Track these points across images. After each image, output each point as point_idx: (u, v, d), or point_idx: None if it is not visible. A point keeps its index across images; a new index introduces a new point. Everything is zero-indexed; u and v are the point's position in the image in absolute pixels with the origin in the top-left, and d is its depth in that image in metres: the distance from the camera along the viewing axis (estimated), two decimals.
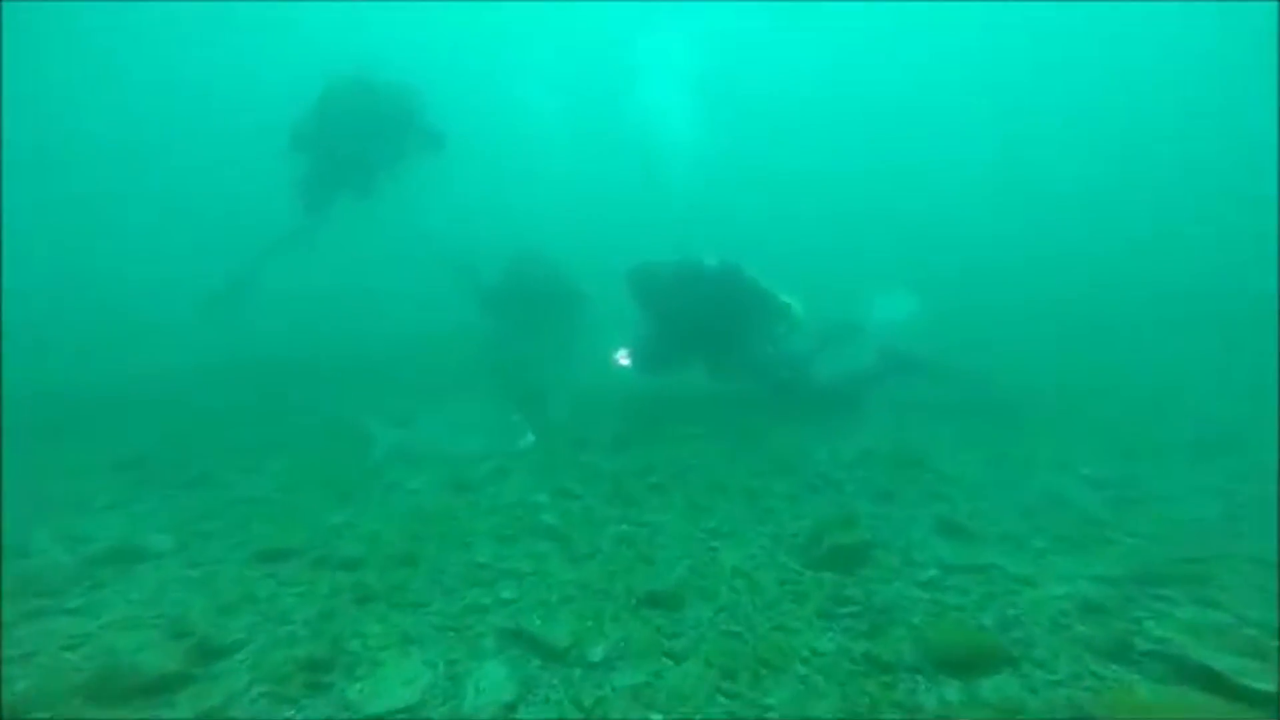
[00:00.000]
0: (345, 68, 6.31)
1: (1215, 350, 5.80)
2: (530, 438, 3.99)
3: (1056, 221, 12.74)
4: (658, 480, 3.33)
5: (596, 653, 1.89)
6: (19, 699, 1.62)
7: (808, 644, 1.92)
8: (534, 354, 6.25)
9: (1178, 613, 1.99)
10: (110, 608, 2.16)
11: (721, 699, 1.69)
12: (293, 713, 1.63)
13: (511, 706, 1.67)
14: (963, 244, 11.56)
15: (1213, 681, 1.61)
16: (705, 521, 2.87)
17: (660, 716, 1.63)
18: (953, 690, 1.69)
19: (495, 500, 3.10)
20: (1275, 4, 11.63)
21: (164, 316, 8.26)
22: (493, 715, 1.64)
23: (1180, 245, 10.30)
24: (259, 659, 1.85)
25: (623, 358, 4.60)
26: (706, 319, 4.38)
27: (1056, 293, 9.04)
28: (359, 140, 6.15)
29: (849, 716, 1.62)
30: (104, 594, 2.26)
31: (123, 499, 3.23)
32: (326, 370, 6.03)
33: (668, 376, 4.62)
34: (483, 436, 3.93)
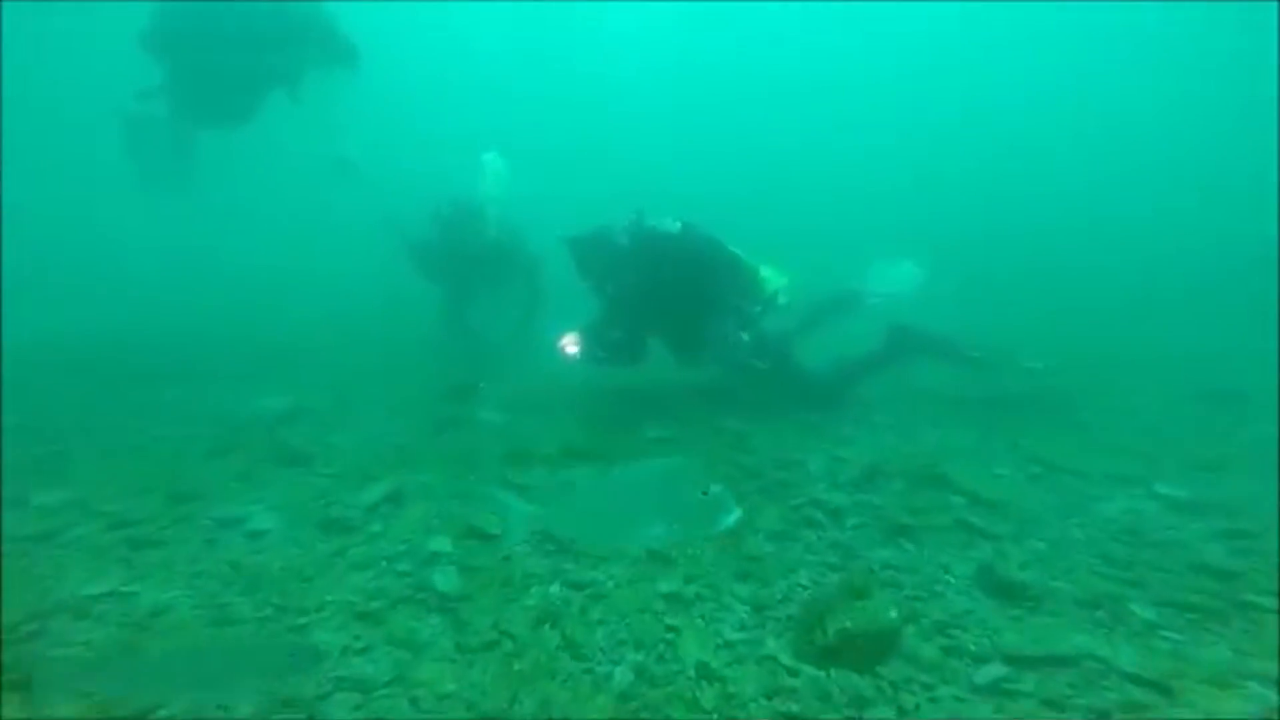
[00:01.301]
0: None
1: (1237, 319, 5.24)
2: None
3: (1058, 196, 12.23)
4: None
5: None
6: None
7: None
8: (474, 329, 5.35)
9: None
10: None
11: None
12: None
13: None
14: (962, 217, 10.92)
15: None
16: (664, 579, 2.11)
17: None
18: None
19: (373, 546, 2.28)
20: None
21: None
22: None
23: (1182, 220, 9.85)
24: None
25: (568, 344, 3.74)
26: (667, 296, 3.57)
27: (1063, 263, 8.47)
28: (232, 45, 4.85)
29: None
30: None
31: None
32: (203, 354, 5.03)
33: (624, 366, 3.78)
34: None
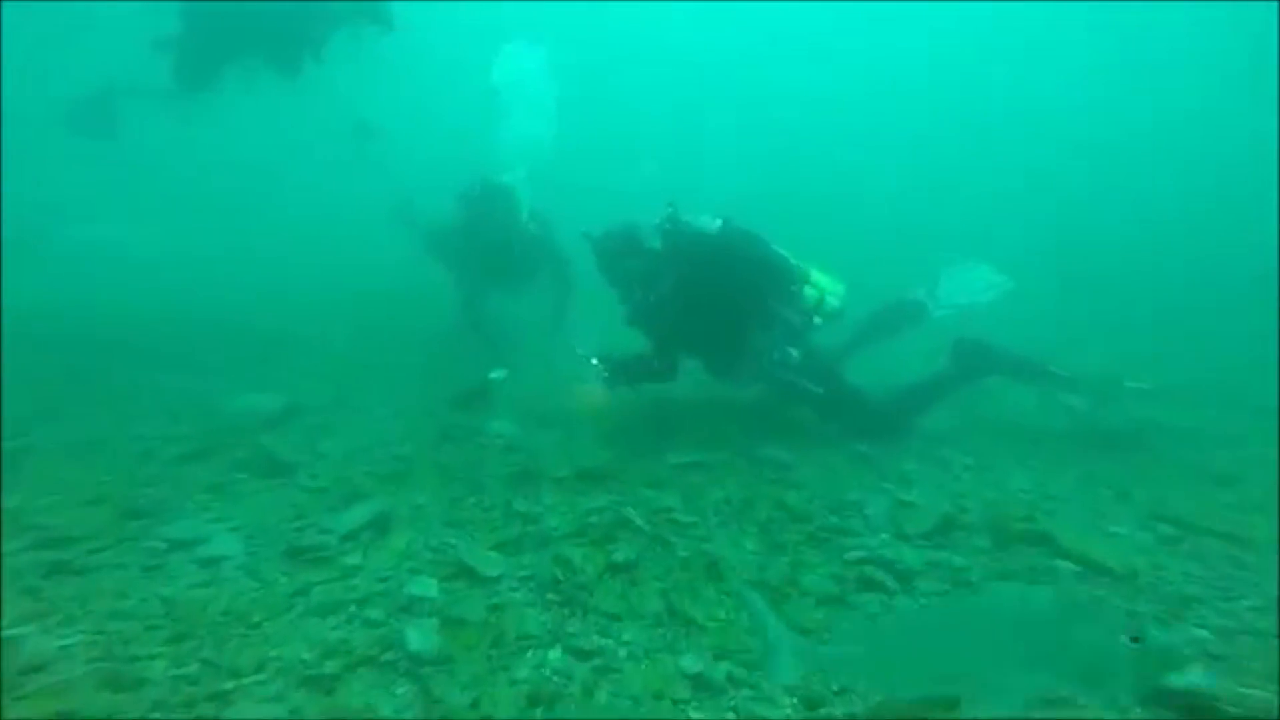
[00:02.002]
0: None
1: None
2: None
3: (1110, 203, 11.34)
4: (625, 555, 2.15)
5: None
6: None
7: None
8: (493, 321, 5.03)
9: None
10: None
11: None
12: None
13: None
14: (1013, 222, 10.16)
15: None
16: (690, 652, 1.70)
17: None
18: None
19: (344, 584, 1.94)
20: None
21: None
22: None
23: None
24: None
25: (594, 379, 3.39)
26: (704, 304, 3.16)
27: (1139, 272, 7.70)
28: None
29: None
30: None
31: None
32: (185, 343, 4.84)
33: (656, 385, 3.38)
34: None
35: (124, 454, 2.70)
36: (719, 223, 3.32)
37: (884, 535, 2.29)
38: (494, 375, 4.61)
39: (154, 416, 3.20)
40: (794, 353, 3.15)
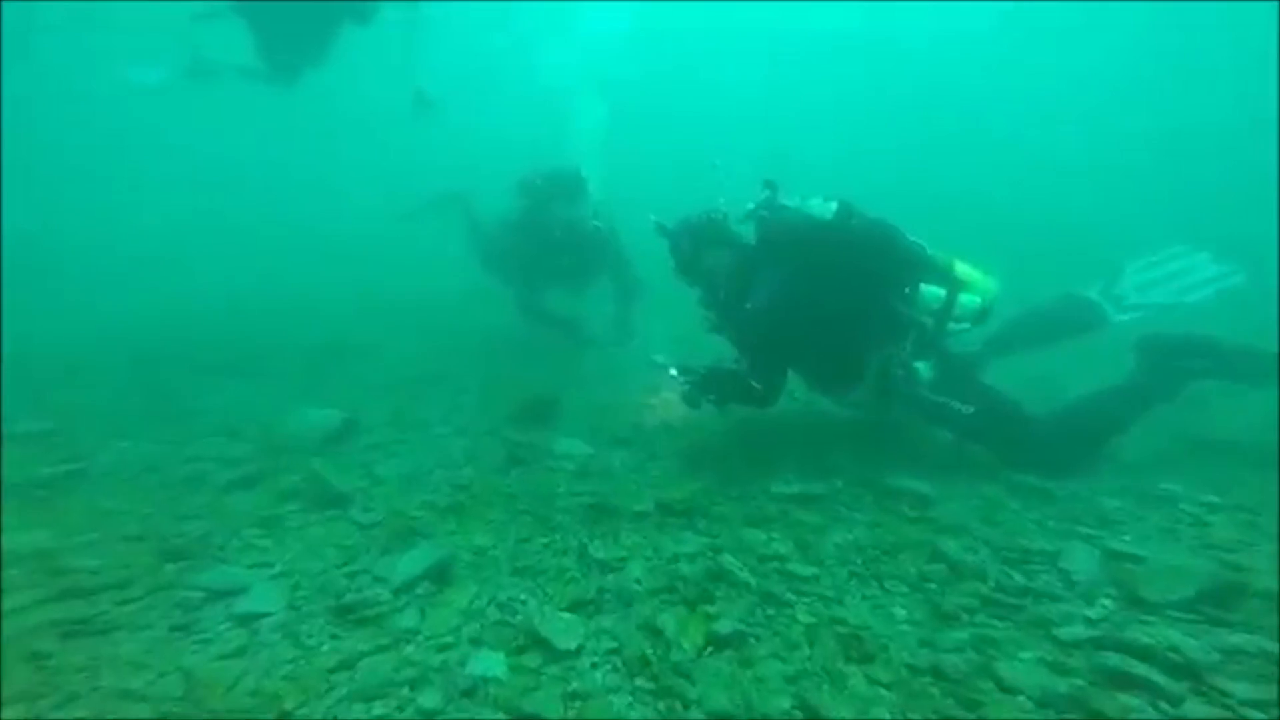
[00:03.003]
0: None
1: None
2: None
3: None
4: (729, 622, 1.73)
5: None
6: None
7: None
8: (561, 320, 4.71)
9: None
10: None
11: None
12: None
13: None
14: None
15: None
16: None
17: None
18: None
19: (396, 654, 1.63)
20: None
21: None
22: None
23: None
24: None
25: (670, 385, 2.94)
26: (816, 308, 2.68)
27: None
28: None
29: None
30: None
31: None
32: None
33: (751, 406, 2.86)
34: None
35: (175, 479, 2.57)
36: (834, 205, 2.80)
37: (1106, 602, 1.71)
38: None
39: (213, 434, 3.10)
40: (925, 368, 2.60)
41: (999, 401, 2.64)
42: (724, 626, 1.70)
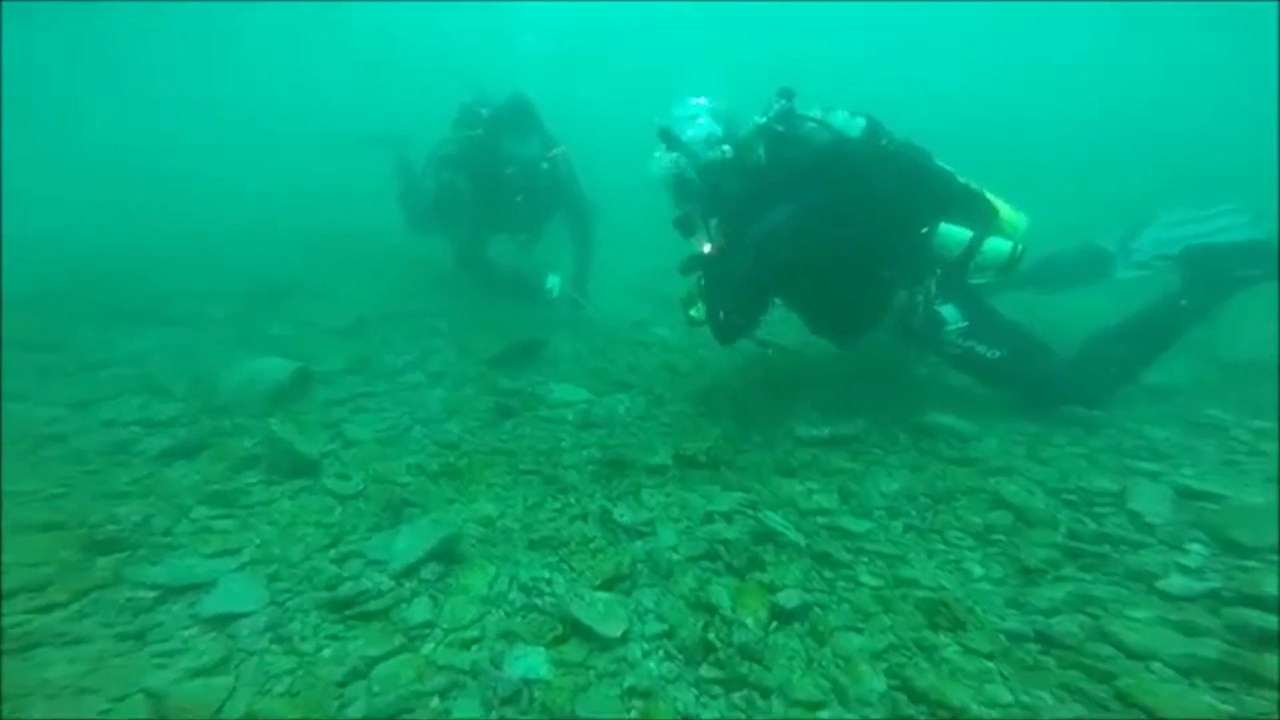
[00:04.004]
0: None
1: None
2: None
3: None
4: (790, 593, 1.58)
5: None
6: None
7: None
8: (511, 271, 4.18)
9: None
10: None
11: None
12: None
13: None
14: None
15: None
16: None
17: None
18: None
19: (414, 660, 1.40)
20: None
21: None
22: None
23: None
24: None
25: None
26: (834, 243, 2.40)
27: None
28: None
29: None
30: None
31: None
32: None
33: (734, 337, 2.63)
34: None
35: (91, 450, 2.16)
36: (861, 121, 2.49)
37: (1196, 548, 1.64)
38: (549, 284, 3.98)
39: (131, 392, 2.65)
40: (951, 313, 2.41)
41: (1025, 338, 2.49)
42: (788, 599, 1.55)
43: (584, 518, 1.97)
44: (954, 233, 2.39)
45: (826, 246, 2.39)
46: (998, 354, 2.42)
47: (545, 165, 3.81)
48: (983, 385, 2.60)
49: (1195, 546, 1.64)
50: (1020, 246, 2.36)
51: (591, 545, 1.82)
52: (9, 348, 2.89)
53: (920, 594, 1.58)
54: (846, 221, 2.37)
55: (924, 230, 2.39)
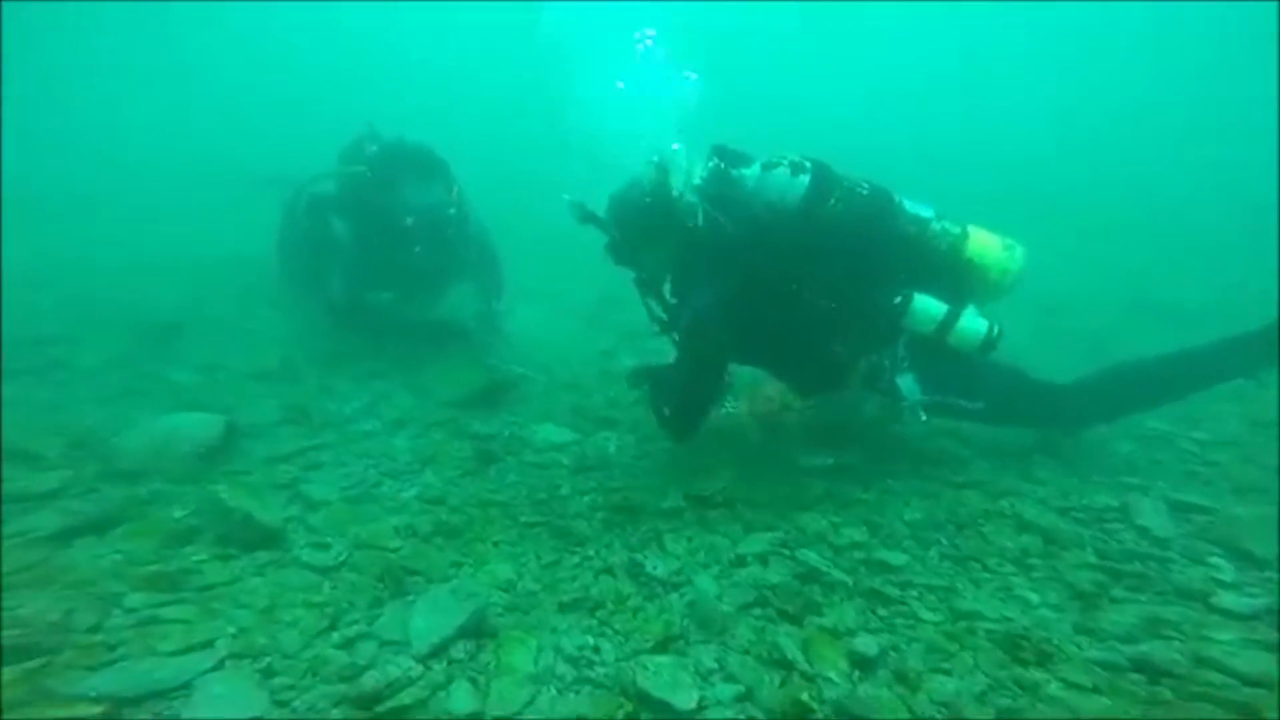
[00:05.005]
0: None
1: None
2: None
3: None
4: (862, 639, 1.55)
5: None
6: None
7: None
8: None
9: None
10: None
11: None
12: None
13: None
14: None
15: None
16: None
17: None
18: None
19: None
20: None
21: None
22: None
23: None
24: None
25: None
26: (777, 317, 2.26)
27: None
28: None
29: None
30: None
31: None
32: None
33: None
34: None
35: None
36: (805, 180, 2.19)
37: (1218, 561, 1.79)
38: (519, 369, 3.60)
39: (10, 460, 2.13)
40: (909, 391, 2.23)
41: (1010, 380, 2.40)
42: (866, 645, 1.50)
43: (610, 572, 1.83)
44: (928, 307, 2.20)
45: (761, 326, 2.25)
46: (979, 404, 2.31)
47: (452, 211, 3.42)
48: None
49: (1216, 560, 1.80)
50: (997, 329, 2.20)
51: (629, 603, 1.69)
52: None
53: (989, 626, 1.59)
54: (781, 299, 2.21)
55: (896, 301, 2.22)
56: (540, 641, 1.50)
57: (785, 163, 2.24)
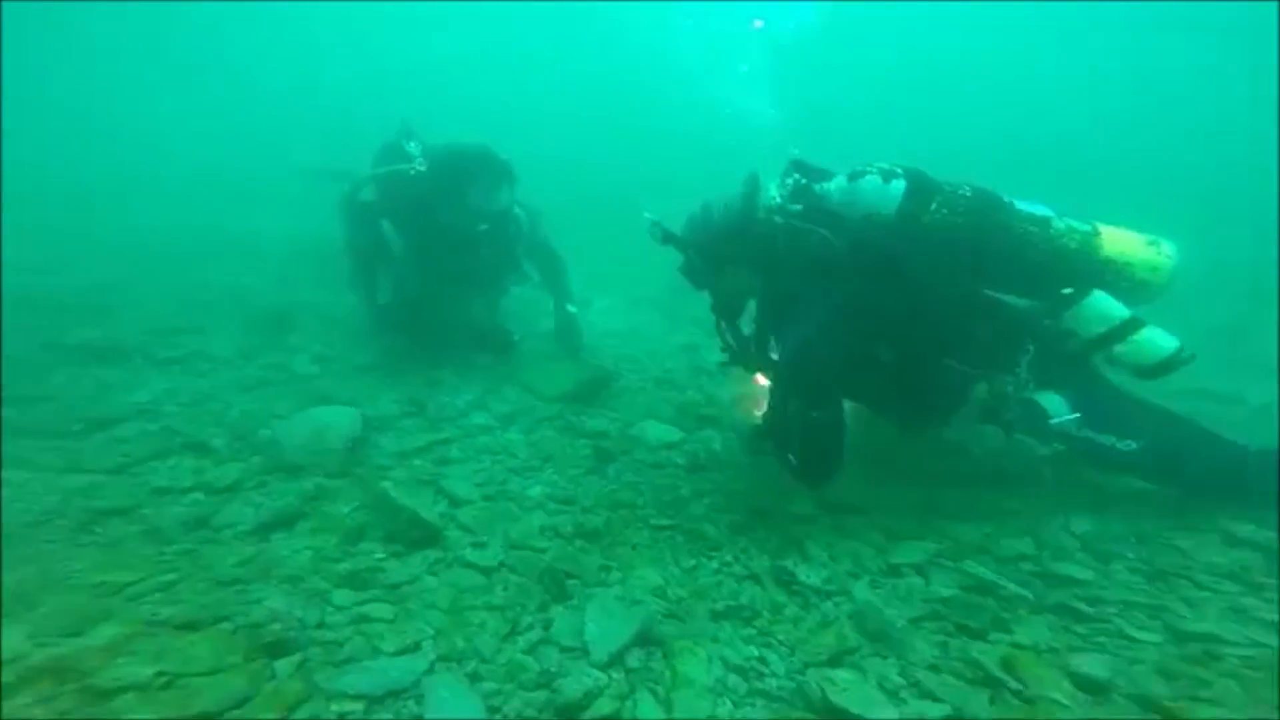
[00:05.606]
0: None
1: None
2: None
3: None
4: (1083, 658, 1.55)
5: None
6: None
7: None
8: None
9: None
10: None
11: None
12: None
13: None
14: None
15: None
16: None
17: None
18: None
19: None
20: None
21: None
22: None
23: None
24: None
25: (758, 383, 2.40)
26: (881, 346, 2.14)
27: None
28: None
29: None
30: None
31: None
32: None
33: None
34: None
35: (169, 528, 1.90)
36: (900, 185, 2.08)
37: None
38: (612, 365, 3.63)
39: (168, 453, 2.37)
40: (1054, 402, 2.06)
41: (1172, 424, 2.12)
42: (1092, 666, 1.48)
43: (755, 579, 1.91)
44: (1107, 306, 2.02)
45: (869, 346, 2.11)
46: (1132, 445, 2.04)
47: (518, 212, 3.56)
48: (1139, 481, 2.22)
49: None
50: (1188, 352, 1.99)
51: (785, 613, 1.77)
52: None
53: (1241, 652, 1.54)
54: (887, 316, 2.07)
55: (1067, 292, 2.07)
56: (708, 652, 1.60)
57: (873, 170, 2.14)
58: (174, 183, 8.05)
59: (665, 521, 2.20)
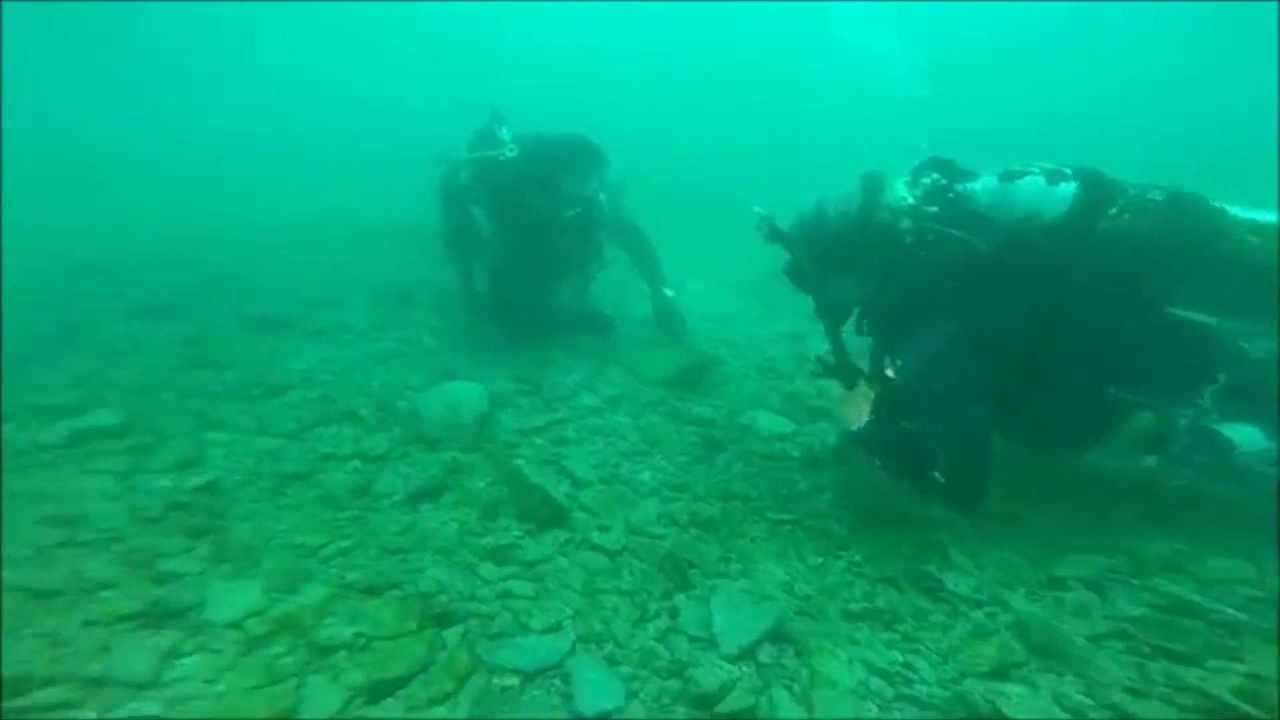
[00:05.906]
0: None
1: None
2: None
3: None
4: None
5: None
6: None
7: None
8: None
9: None
10: None
11: None
12: None
13: None
14: None
15: None
16: None
17: None
18: None
19: None
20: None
21: None
22: None
23: None
24: None
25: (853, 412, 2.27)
26: (1027, 363, 1.94)
27: None
28: None
29: None
30: None
31: None
32: None
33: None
34: None
35: (339, 494, 2.14)
36: (1071, 187, 1.87)
37: None
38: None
39: (329, 420, 2.63)
40: (1246, 434, 1.81)
41: None
42: None
43: (892, 583, 1.87)
44: None
45: (1005, 366, 1.91)
46: None
47: (603, 197, 3.62)
48: None
49: None
50: None
51: (931, 619, 1.73)
52: (188, 365, 2.93)
53: None
54: (1033, 335, 1.88)
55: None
56: (846, 654, 1.60)
57: (1036, 171, 1.93)
58: (258, 178, 8.47)
59: (783, 516, 2.20)
